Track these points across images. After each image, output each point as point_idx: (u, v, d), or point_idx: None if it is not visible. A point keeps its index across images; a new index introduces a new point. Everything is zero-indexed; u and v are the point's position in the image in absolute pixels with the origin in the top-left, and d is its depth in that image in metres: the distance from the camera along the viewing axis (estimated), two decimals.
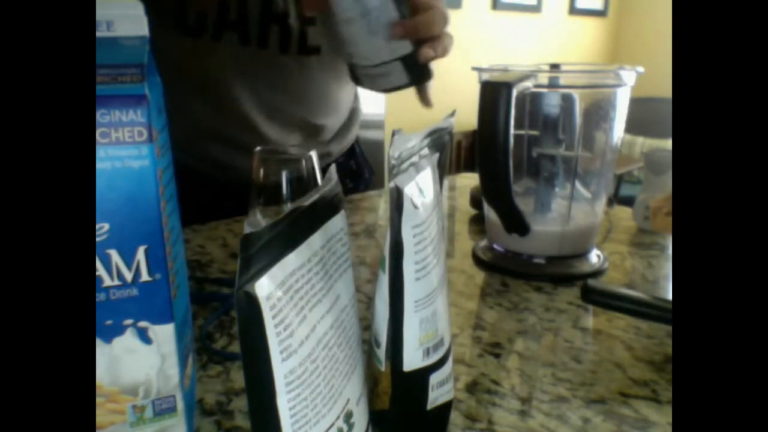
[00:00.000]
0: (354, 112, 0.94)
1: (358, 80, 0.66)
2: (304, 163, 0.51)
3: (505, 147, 0.53)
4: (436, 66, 0.66)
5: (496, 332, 0.51)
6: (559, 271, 0.63)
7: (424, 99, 0.68)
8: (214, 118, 0.79)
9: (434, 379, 0.34)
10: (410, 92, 0.67)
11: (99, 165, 0.29)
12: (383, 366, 0.34)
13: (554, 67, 0.64)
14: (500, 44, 3.37)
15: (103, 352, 0.31)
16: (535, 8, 3.51)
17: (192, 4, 0.72)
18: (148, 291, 0.31)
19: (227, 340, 0.49)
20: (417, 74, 0.62)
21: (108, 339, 0.31)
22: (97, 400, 0.32)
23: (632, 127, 3.49)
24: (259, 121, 0.80)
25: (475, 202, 0.84)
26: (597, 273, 0.63)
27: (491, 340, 0.49)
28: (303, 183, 0.51)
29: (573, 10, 3.75)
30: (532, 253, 0.64)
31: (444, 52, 0.61)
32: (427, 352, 0.32)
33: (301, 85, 0.82)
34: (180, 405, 0.34)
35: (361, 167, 0.99)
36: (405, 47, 0.59)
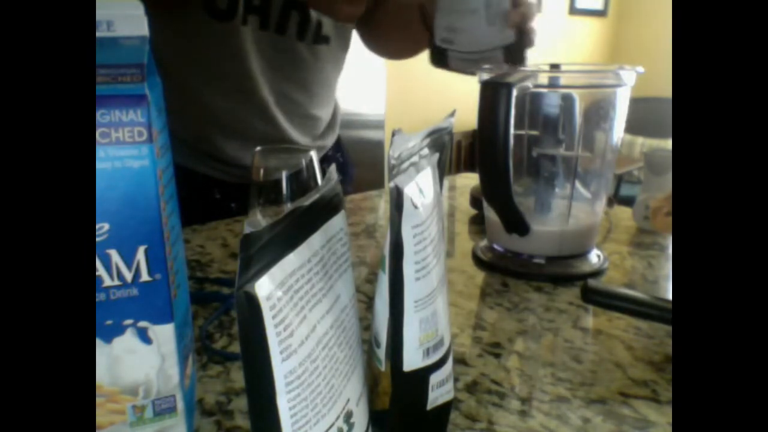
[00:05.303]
0: (337, 104, 0.98)
1: (446, 65, 0.71)
2: (304, 162, 0.51)
3: (505, 147, 0.53)
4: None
5: (496, 332, 0.51)
6: (559, 271, 0.63)
7: None
8: (230, 109, 0.81)
9: (434, 379, 0.34)
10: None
11: (99, 165, 0.29)
12: (383, 366, 0.34)
13: (554, 67, 0.64)
14: None
15: (103, 352, 0.31)
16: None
17: None
18: (148, 291, 0.31)
19: (227, 340, 0.49)
20: (515, 60, 0.69)
21: (108, 339, 0.31)
22: (97, 400, 0.32)
23: (632, 127, 3.49)
24: (271, 107, 0.83)
25: (475, 202, 0.84)
26: (597, 273, 0.63)
27: (491, 340, 0.49)
28: (303, 183, 0.51)
29: (573, 10, 3.75)
30: (532, 253, 0.64)
31: (534, 42, 0.69)
32: (427, 352, 0.32)
33: (309, 74, 0.85)
34: (180, 405, 0.34)
35: (347, 160, 1.02)
36: (510, 36, 0.66)
